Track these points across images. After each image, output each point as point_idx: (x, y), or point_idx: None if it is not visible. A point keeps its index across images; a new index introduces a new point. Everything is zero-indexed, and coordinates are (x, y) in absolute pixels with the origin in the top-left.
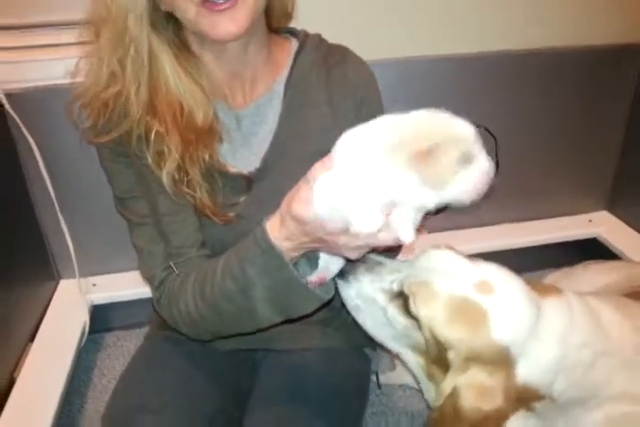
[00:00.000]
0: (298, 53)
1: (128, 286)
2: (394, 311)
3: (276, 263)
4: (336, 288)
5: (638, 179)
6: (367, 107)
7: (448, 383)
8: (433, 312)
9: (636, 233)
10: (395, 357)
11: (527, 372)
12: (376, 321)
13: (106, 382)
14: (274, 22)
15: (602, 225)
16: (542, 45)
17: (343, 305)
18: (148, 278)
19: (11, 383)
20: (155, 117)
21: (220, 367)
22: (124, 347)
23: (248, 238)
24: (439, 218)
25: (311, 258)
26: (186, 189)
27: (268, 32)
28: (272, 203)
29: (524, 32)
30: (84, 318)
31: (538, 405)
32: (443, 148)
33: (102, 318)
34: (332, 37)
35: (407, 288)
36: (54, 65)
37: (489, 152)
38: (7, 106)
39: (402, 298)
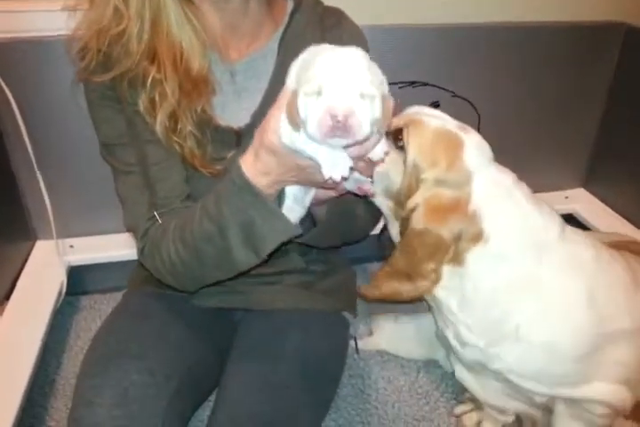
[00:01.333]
0: (293, 12)
1: (106, 248)
2: None
3: (250, 199)
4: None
5: (614, 157)
6: None
7: (413, 200)
8: (420, 138)
9: (610, 210)
10: None
11: (478, 195)
12: None
13: (82, 343)
14: None
15: (578, 202)
16: (526, 19)
17: (326, 272)
18: (132, 228)
19: None
20: (153, 63)
21: (201, 322)
22: (100, 310)
23: (224, 178)
24: None
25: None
26: (175, 138)
27: None
28: None
29: (509, 5)
30: (60, 278)
31: (468, 256)
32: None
33: (79, 281)
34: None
35: (403, 121)
36: (37, 17)
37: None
38: None
39: (393, 135)
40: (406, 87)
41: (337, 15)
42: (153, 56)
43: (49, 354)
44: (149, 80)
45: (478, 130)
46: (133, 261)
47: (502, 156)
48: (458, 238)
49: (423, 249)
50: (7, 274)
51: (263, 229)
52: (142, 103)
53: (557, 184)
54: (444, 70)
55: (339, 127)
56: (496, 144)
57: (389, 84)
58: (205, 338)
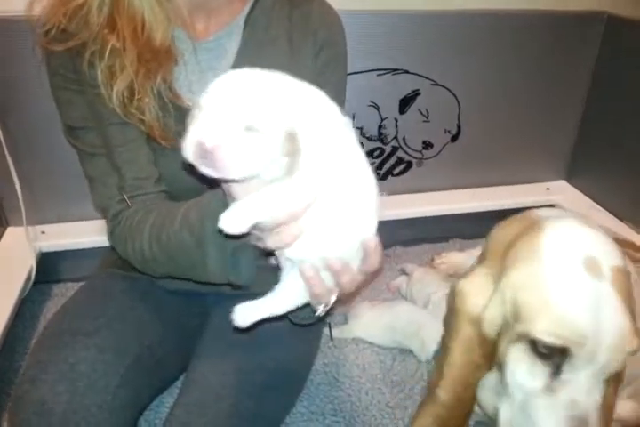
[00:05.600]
0: None
1: (79, 235)
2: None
3: None
4: None
5: (596, 150)
6: (327, 50)
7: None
8: None
9: (592, 202)
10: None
11: None
12: None
13: None
14: None
15: (559, 194)
16: (508, 7)
17: None
18: (102, 209)
19: None
20: (112, 32)
21: (167, 303)
22: None
23: (211, 193)
24: (398, 179)
25: None
26: (133, 111)
27: None
28: None
29: None
30: (29, 263)
31: None
32: None
33: (51, 268)
34: None
35: None
36: None
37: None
38: None
39: None
40: (386, 75)
41: None
42: (113, 26)
43: (17, 341)
44: (108, 49)
45: (458, 119)
46: (107, 248)
47: (482, 147)
48: None
49: None
50: None
51: (236, 259)
52: (101, 74)
53: (539, 176)
54: (425, 58)
55: (206, 157)
56: (476, 134)
57: (371, 70)
58: (171, 319)
